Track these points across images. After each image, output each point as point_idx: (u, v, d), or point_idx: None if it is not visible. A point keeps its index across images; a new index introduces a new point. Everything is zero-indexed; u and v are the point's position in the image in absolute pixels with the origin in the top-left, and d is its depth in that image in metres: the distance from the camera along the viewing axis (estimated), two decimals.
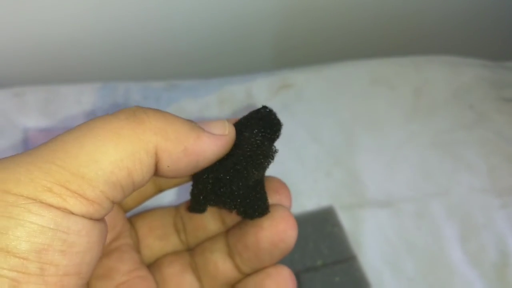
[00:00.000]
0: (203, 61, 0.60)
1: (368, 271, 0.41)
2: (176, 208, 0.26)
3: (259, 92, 0.52)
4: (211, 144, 0.20)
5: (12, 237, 0.15)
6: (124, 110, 0.19)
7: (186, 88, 0.52)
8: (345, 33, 0.62)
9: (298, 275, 0.40)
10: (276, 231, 0.22)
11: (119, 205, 0.25)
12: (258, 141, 0.21)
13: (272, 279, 0.23)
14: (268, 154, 0.22)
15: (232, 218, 0.25)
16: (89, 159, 0.17)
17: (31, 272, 0.16)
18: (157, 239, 0.26)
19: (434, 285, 0.41)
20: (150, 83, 0.52)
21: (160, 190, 0.26)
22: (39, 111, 0.48)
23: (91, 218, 0.17)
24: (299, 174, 0.47)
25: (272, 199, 0.23)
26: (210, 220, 0.25)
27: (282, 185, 0.24)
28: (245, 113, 0.24)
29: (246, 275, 0.24)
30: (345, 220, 0.44)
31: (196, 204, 0.23)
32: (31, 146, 0.45)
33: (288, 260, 0.41)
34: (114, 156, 0.17)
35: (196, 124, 0.20)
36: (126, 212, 0.26)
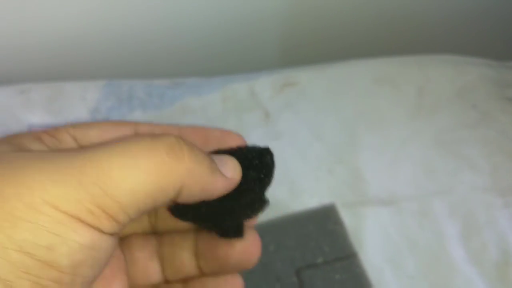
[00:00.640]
0: (207, 60, 0.61)
1: (369, 268, 0.42)
2: None
3: (262, 90, 0.52)
4: (223, 187, 0.22)
5: (57, 254, 0.17)
6: (165, 141, 0.20)
7: (189, 86, 0.52)
8: (348, 32, 0.62)
9: (298, 272, 0.40)
10: (246, 252, 0.24)
11: None
12: (255, 191, 0.23)
13: (229, 286, 0.25)
14: (260, 203, 0.23)
15: None
16: (129, 189, 0.18)
17: (63, 282, 0.17)
18: None
19: (435, 283, 0.41)
20: (154, 81, 0.52)
21: None
22: (43, 108, 0.48)
23: (113, 235, 0.19)
24: (301, 172, 0.47)
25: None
26: None
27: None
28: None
29: (204, 274, 0.25)
30: (346, 217, 0.44)
31: (176, 213, 0.24)
32: None
33: (289, 257, 0.41)
34: (150, 188, 0.19)
35: (215, 164, 0.21)
36: None
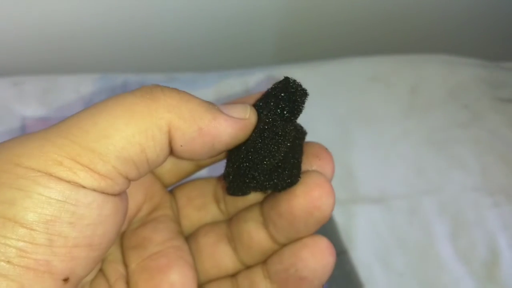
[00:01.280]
0: (202, 55, 0.61)
1: (359, 265, 0.42)
2: (217, 178, 0.26)
3: (256, 86, 0.52)
4: (228, 126, 0.19)
5: (19, 208, 0.16)
6: (142, 88, 0.19)
7: (184, 81, 0.52)
8: (343, 31, 0.62)
9: None
10: (311, 198, 0.20)
11: (156, 177, 0.25)
12: (269, 123, 0.20)
13: (309, 249, 0.21)
14: (282, 135, 0.20)
15: None
16: (100, 134, 0.17)
17: (38, 243, 0.16)
18: (196, 210, 0.25)
19: (424, 281, 0.42)
20: (148, 75, 0.52)
21: (199, 167, 0.26)
22: (37, 100, 0.48)
23: (103, 192, 0.17)
24: None
25: (312, 165, 0.22)
26: None
27: (323, 150, 0.23)
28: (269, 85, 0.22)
29: (282, 246, 0.22)
30: (337, 215, 0.44)
31: (231, 189, 0.22)
32: None
33: None
34: (126, 131, 0.17)
35: (214, 105, 0.20)
36: (166, 187, 0.26)
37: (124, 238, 0.24)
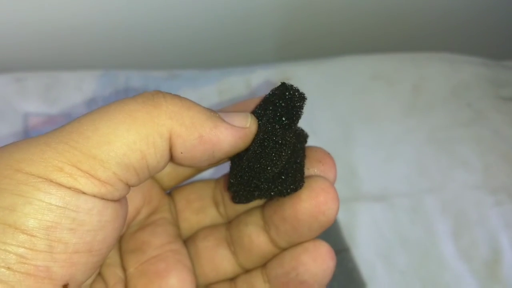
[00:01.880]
0: (205, 52, 0.61)
1: (361, 263, 0.42)
2: (216, 180, 0.26)
3: (258, 83, 0.52)
4: (229, 135, 0.20)
5: (20, 214, 0.16)
6: (144, 94, 0.19)
7: (186, 78, 0.52)
8: (345, 28, 0.62)
9: None
10: (316, 202, 0.21)
11: (154, 180, 0.25)
12: (269, 133, 0.20)
13: (310, 254, 0.22)
14: (282, 144, 0.20)
15: None
16: (101, 140, 0.17)
17: (39, 249, 0.16)
18: (194, 213, 0.25)
19: (426, 279, 0.42)
20: (151, 72, 0.52)
21: (198, 171, 0.26)
22: (39, 96, 0.48)
23: (103, 198, 0.18)
24: None
25: (315, 169, 0.22)
26: None
27: (325, 155, 0.23)
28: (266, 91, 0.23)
29: (282, 250, 0.23)
30: (339, 213, 0.44)
31: (236, 198, 0.22)
32: (31, 131, 0.45)
33: None
34: (127, 138, 0.18)
35: (215, 113, 0.20)
36: (165, 190, 0.26)
37: (123, 242, 0.24)
